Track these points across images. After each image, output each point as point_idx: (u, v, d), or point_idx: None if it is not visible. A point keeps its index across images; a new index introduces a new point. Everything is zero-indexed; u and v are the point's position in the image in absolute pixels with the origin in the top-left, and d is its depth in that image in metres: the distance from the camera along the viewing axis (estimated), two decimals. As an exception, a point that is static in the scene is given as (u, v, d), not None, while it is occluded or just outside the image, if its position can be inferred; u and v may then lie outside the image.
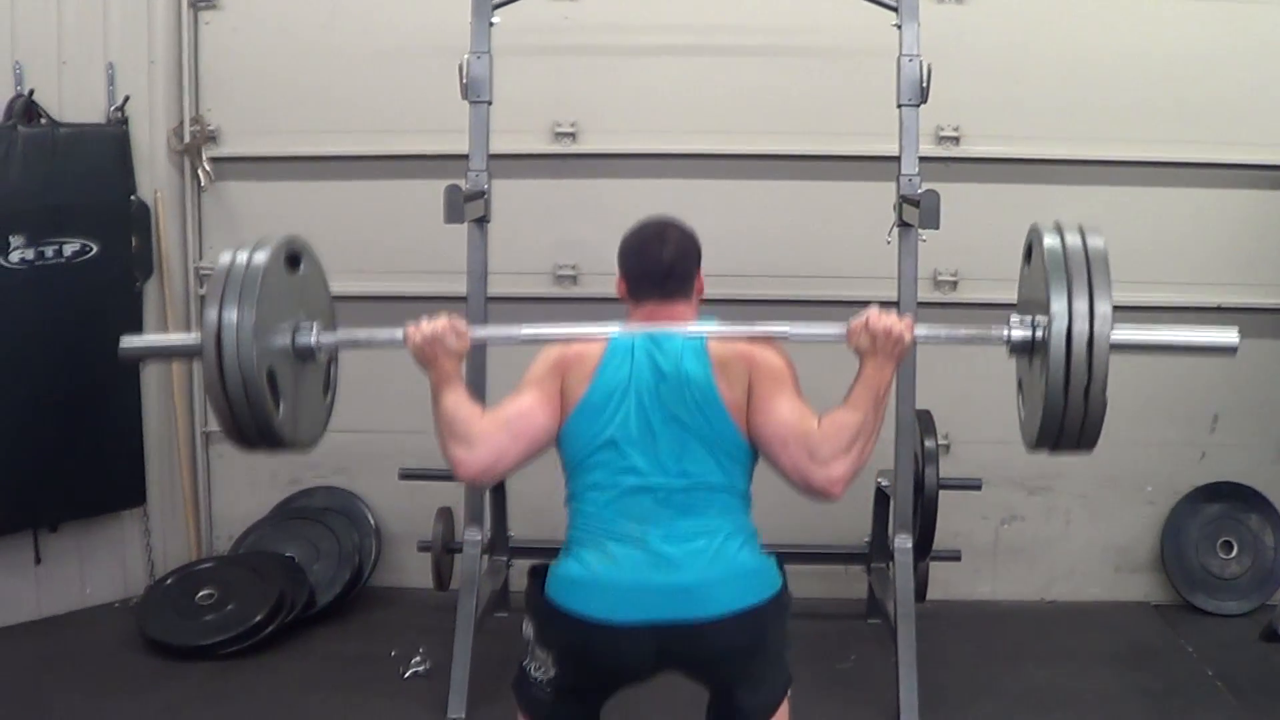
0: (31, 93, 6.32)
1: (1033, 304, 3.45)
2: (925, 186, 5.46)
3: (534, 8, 6.12)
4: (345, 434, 6.98)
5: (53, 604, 6.69)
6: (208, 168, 6.93)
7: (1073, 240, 3.34)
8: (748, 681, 3.58)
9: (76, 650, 6.33)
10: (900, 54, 5.62)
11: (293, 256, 3.66)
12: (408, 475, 6.40)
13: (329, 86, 6.87)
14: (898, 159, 5.65)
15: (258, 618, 6.30)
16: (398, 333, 3.59)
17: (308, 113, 6.88)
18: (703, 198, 6.78)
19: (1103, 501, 7.00)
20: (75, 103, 6.52)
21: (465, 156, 5.78)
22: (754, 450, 3.54)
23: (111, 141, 6.58)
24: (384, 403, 6.77)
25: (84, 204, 6.39)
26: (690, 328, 3.61)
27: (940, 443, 6.24)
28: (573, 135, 6.84)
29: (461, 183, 5.58)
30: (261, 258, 3.51)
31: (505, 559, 6.50)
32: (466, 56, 5.73)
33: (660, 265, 3.67)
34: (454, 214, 5.42)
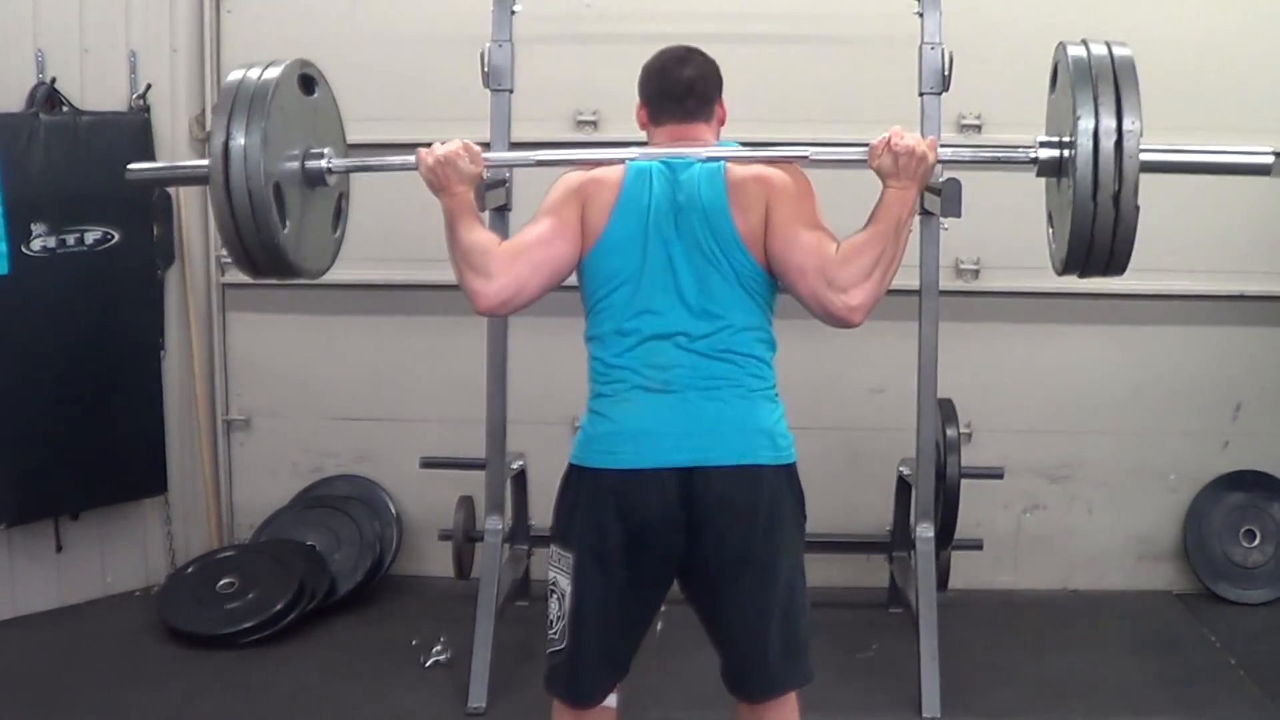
0: (53, 81, 6.32)
1: (1060, 124, 3.39)
2: (947, 175, 5.44)
3: (556, -5, 6.12)
4: (366, 422, 7.03)
5: (74, 592, 6.71)
6: (229, 156, 6.93)
7: (1099, 51, 3.30)
8: (743, 540, 3.54)
9: (97, 638, 6.34)
10: (922, 42, 5.60)
11: (306, 79, 3.63)
12: (429, 464, 6.40)
13: (350, 75, 6.81)
14: (920, 148, 5.63)
15: (279, 606, 6.31)
16: (410, 158, 3.57)
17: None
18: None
19: (1125, 490, 6.98)
20: (97, 91, 6.53)
21: (487, 145, 5.76)
22: (772, 281, 3.53)
23: (133, 129, 6.58)
24: (405, 391, 6.79)
25: (105, 192, 6.37)
26: (708, 150, 3.60)
27: (962, 431, 6.22)
28: (594, 123, 6.84)
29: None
30: (274, 74, 3.48)
31: (526, 548, 6.50)
32: (488, 44, 5.72)
33: (681, 83, 3.70)
34: (475, 202, 5.41)
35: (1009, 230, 6.45)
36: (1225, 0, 6.67)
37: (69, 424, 6.42)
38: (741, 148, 3.63)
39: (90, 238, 6.38)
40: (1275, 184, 6.57)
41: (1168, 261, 6.57)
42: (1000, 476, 6.35)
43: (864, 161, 3.46)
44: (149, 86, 6.65)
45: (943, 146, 3.48)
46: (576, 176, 3.64)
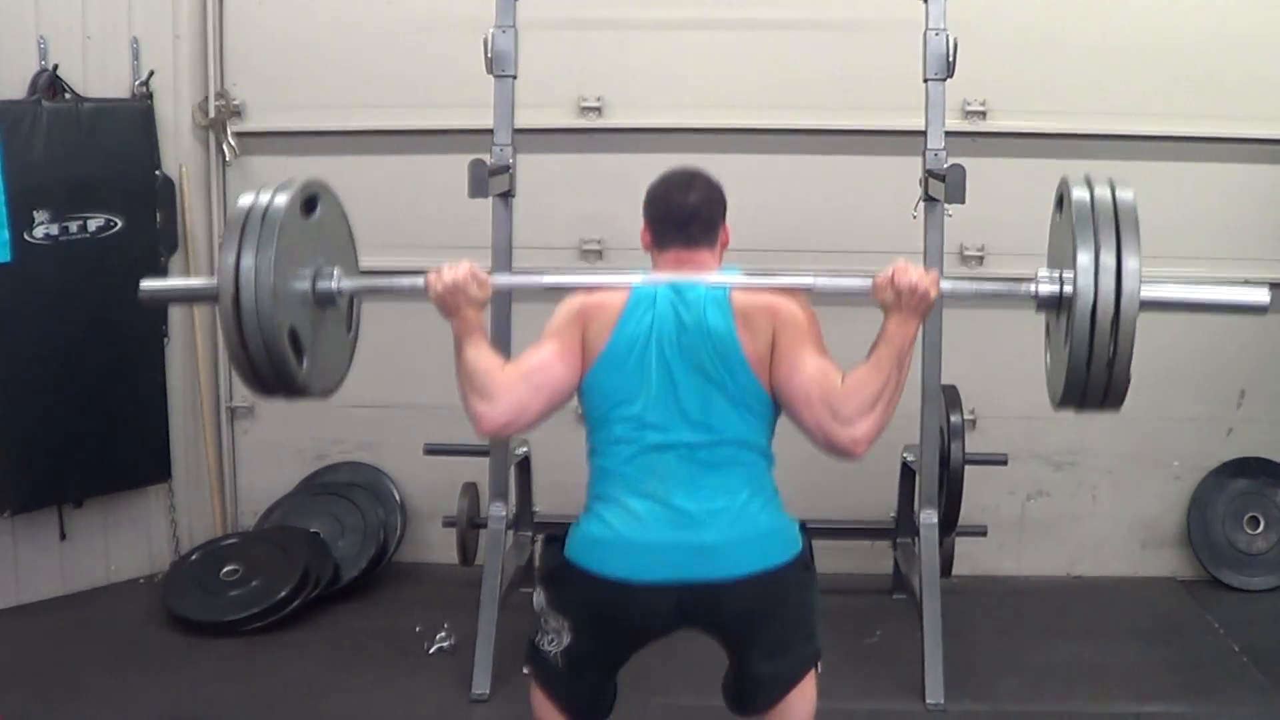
0: (56, 68, 6.32)
1: (1062, 258, 3.41)
2: (951, 161, 5.43)
3: (560, -20, 6.11)
4: (370, 409, 7.04)
5: (78, 580, 6.71)
6: (232, 142, 6.93)
7: (1102, 194, 3.31)
8: (765, 646, 3.57)
9: (101, 626, 6.35)
10: (927, 28, 5.59)
11: (309, 201, 3.62)
12: (433, 450, 6.40)
13: (354, 61, 6.86)
14: (924, 133, 5.62)
15: (282, 594, 6.32)
16: (419, 280, 3.55)
17: (332, 87, 6.87)
18: (728, 172, 6.66)
19: (1129, 477, 6.98)
20: (99, 78, 6.52)
21: (490, 131, 5.76)
22: (776, 404, 3.52)
23: (136, 116, 6.58)
24: (409, 378, 6.78)
25: (108, 179, 6.39)
26: (713, 277, 3.59)
27: (966, 418, 6.23)
28: (598, 109, 6.83)
29: (486, 157, 5.57)
30: (280, 204, 3.47)
31: (530, 534, 6.49)
32: (491, 30, 5.71)
33: (685, 210, 3.66)
34: (479, 188, 5.42)
35: (1013, 216, 6.46)
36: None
37: (72, 412, 6.42)
38: (745, 275, 3.63)
39: (93, 225, 6.38)
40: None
41: (1171, 248, 6.55)
42: (1004, 463, 6.35)
43: (868, 292, 3.46)
44: (151, 73, 6.64)
45: (945, 280, 3.49)
46: (579, 299, 3.64)
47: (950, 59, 5.55)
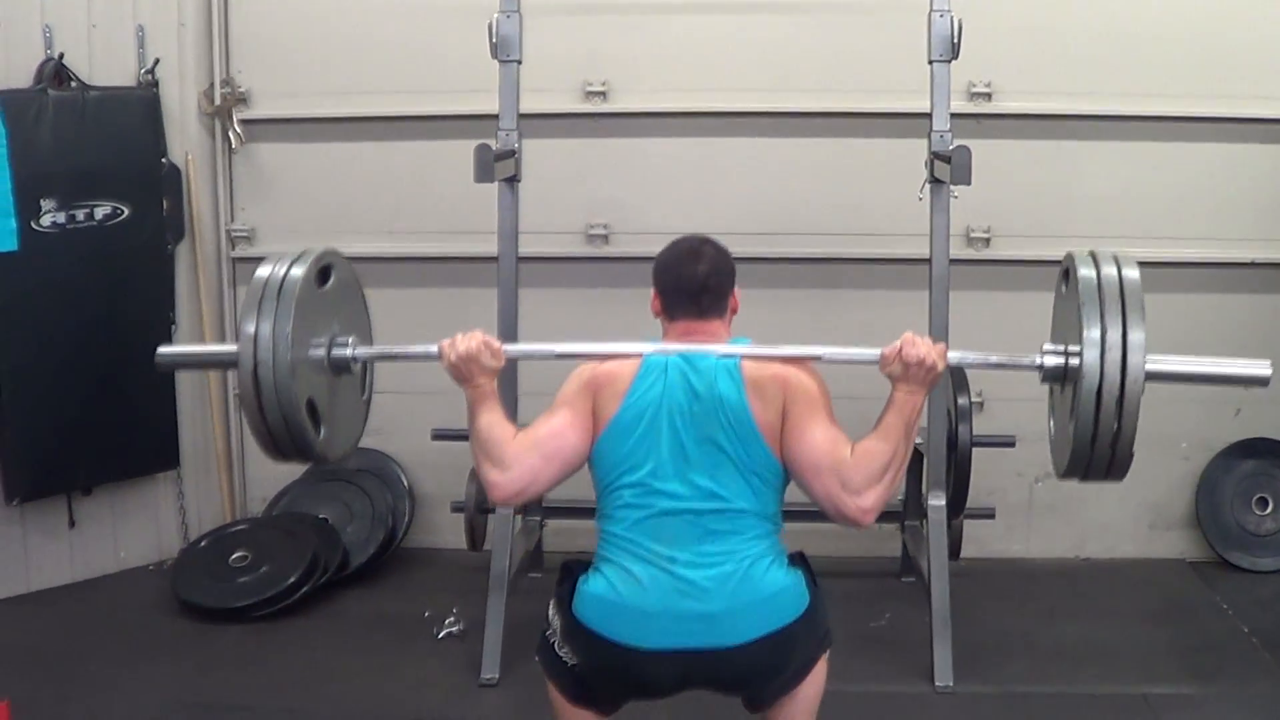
0: (61, 56, 6.32)
1: (1067, 331, 3.44)
2: (957, 143, 5.43)
3: (564, -35, 6.11)
4: (378, 395, 6.98)
5: (87, 567, 6.73)
6: (238, 129, 6.93)
7: (1108, 272, 3.33)
8: (775, 688, 3.59)
9: (111, 613, 6.37)
10: (931, 10, 5.58)
11: (324, 271, 3.66)
12: (440, 436, 6.40)
13: (359, 47, 6.85)
14: (929, 115, 5.62)
15: (291, 579, 6.33)
16: (432, 348, 3.61)
17: (338, 74, 6.87)
18: (734, 156, 6.77)
19: (1137, 458, 6.85)
20: (105, 66, 6.52)
21: (496, 116, 5.76)
22: (786, 472, 3.54)
23: (142, 104, 6.58)
24: (417, 364, 6.77)
25: (115, 167, 6.39)
26: (724, 348, 3.60)
27: (974, 400, 6.23)
28: (604, 94, 6.82)
29: (492, 142, 5.57)
30: (296, 275, 3.52)
31: (539, 519, 6.52)
32: (496, 15, 5.70)
33: (695, 282, 3.66)
34: (484, 173, 5.42)
35: (1020, 198, 6.48)
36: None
37: (81, 400, 6.43)
38: (755, 346, 3.63)
39: (100, 213, 6.38)
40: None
41: (1179, 229, 6.58)
42: (1012, 445, 6.35)
43: (876, 364, 3.47)
44: (157, 61, 6.64)
45: (952, 351, 3.51)
46: (589, 368, 3.65)
47: (955, 40, 5.54)
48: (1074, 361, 3.31)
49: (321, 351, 3.63)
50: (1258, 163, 6.70)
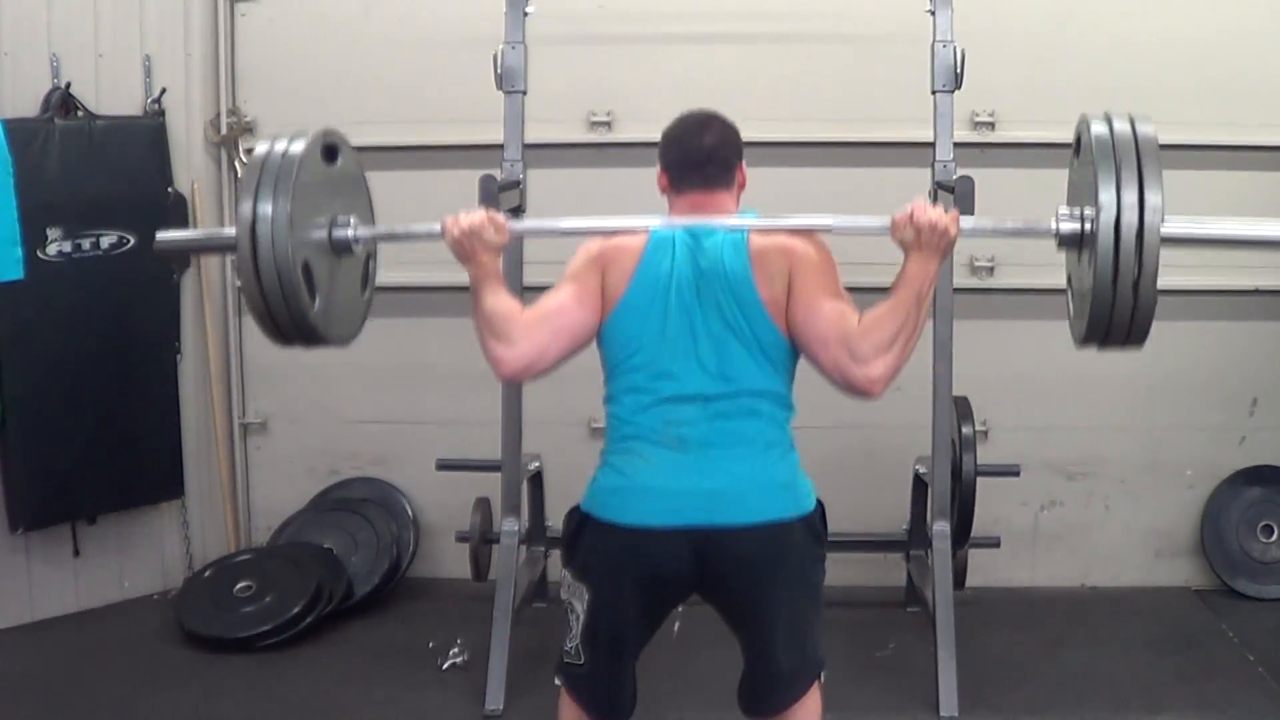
0: (68, 85, 6.33)
1: (1082, 196, 3.39)
2: (960, 172, 5.44)
3: (568, -4, 6.12)
4: (383, 425, 7.05)
5: (91, 596, 6.72)
6: (244, 159, 6.94)
7: (1121, 128, 3.29)
8: (769, 610, 3.59)
9: (115, 643, 6.36)
10: (934, 40, 5.60)
11: (330, 148, 3.64)
12: (445, 466, 6.41)
13: (365, 77, 6.87)
14: (933, 145, 5.63)
15: (296, 609, 6.32)
16: (435, 226, 3.56)
17: (344, 104, 6.88)
18: (738, 185, 6.77)
19: (1142, 486, 6.98)
20: (112, 95, 6.54)
21: (500, 146, 5.78)
22: (794, 349, 3.54)
23: (148, 133, 6.60)
24: (421, 394, 6.80)
25: (121, 196, 6.40)
26: (731, 221, 3.60)
27: (978, 429, 6.22)
28: (608, 124, 6.84)
29: (497, 172, 5.58)
30: (298, 148, 3.49)
31: (543, 549, 6.51)
32: (501, 46, 5.73)
33: (701, 151, 3.68)
34: (489, 203, 5.42)
35: (1023, 227, 6.46)
36: (1239, -4, 6.66)
37: (86, 428, 6.43)
38: (763, 217, 3.63)
39: (106, 242, 6.39)
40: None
41: (1182, 257, 6.53)
42: (1017, 474, 6.33)
43: (886, 232, 3.45)
44: (164, 90, 6.66)
45: (965, 218, 3.48)
46: (597, 244, 3.66)
47: (958, 70, 5.56)
48: (1089, 225, 3.24)
49: (322, 231, 3.59)
50: (1264, 190, 6.70)
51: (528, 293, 4.78)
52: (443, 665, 6.03)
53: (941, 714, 5.45)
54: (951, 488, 5.91)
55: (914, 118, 5.89)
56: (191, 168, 6.87)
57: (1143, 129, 3.26)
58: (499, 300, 3.52)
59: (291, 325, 3.52)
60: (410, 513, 7.12)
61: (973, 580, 6.28)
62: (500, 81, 5.73)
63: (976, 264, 6.74)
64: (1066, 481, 6.98)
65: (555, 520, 6.46)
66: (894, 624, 6.46)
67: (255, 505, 7.32)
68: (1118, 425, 6.90)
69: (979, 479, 5.90)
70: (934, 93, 5.61)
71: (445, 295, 6.73)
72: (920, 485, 6.22)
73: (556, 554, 6.41)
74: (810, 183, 6.75)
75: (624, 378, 3.58)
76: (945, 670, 5.51)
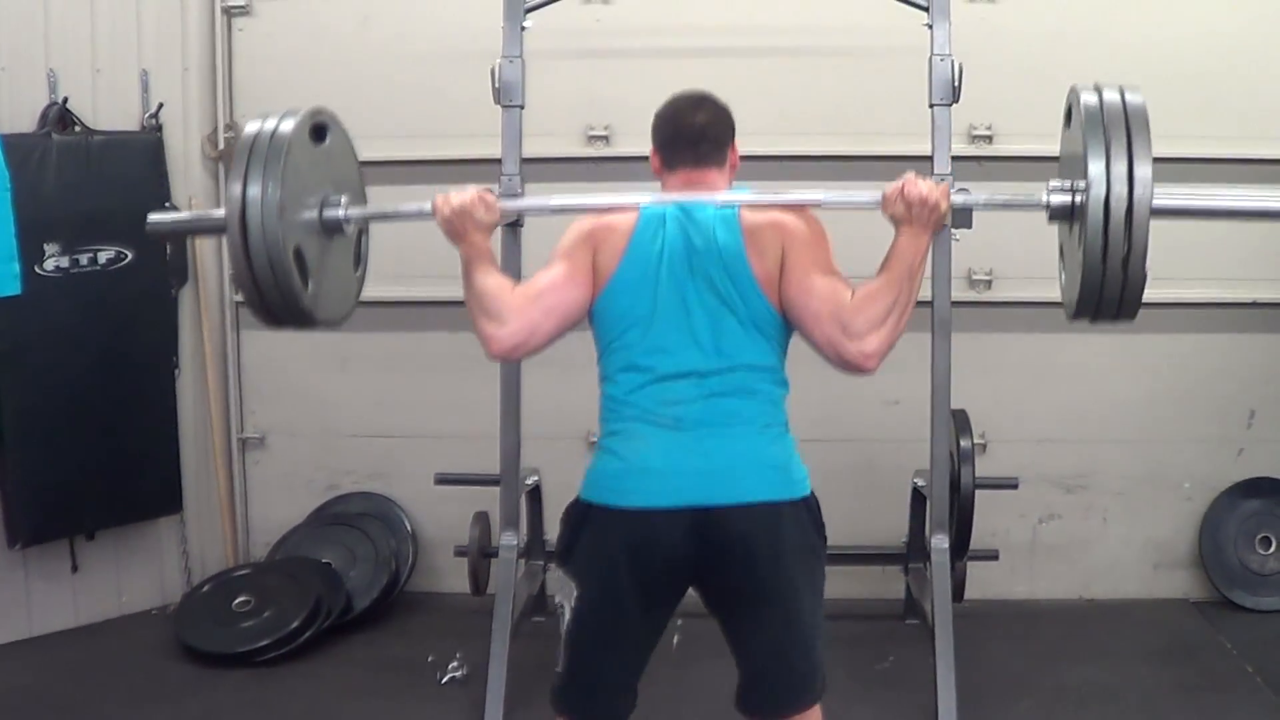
0: (65, 100, 6.34)
1: (1072, 167, 3.40)
2: (959, 186, 5.44)
3: (566, 11, 6.10)
4: (381, 439, 7.05)
5: (90, 612, 6.72)
6: (240, 170, 6.94)
7: (1111, 98, 3.30)
8: (764, 595, 3.56)
9: (114, 658, 6.36)
10: (932, 54, 5.60)
11: (319, 128, 3.64)
12: (444, 480, 6.40)
13: (362, 92, 6.87)
14: (930, 158, 5.64)
15: (294, 624, 6.32)
16: (426, 205, 3.58)
17: (341, 119, 6.88)
18: (736, 199, 6.77)
19: (1140, 499, 6.98)
20: (109, 110, 6.55)
21: (498, 160, 5.78)
22: (787, 324, 3.54)
23: (146, 149, 6.61)
24: (420, 408, 6.80)
25: (118, 211, 6.39)
26: (722, 196, 3.61)
27: (976, 442, 6.23)
28: (606, 138, 6.85)
29: (495, 187, 5.57)
30: (287, 128, 3.49)
31: (542, 563, 6.50)
32: (499, 61, 5.73)
33: (694, 129, 3.70)
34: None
35: (1021, 240, 6.46)
36: (1236, 6, 6.66)
37: (84, 444, 6.42)
38: (755, 193, 3.63)
39: (103, 257, 6.39)
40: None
41: (1181, 269, 6.58)
42: (1015, 487, 6.33)
43: (877, 207, 3.47)
44: (161, 105, 6.67)
45: (955, 193, 3.49)
46: (588, 221, 3.66)
47: (956, 84, 5.56)
48: (1079, 198, 3.26)
49: (313, 212, 3.58)
50: (1261, 203, 6.71)
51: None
52: (441, 680, 6.04)
53: (941, 727, 5.47)
54: (950, 500, 5.91)
55: (912, 131, 5.89)
56: (189, 182, 6.88)
57: (1132, 99, 3.28)
58: (490, 278, 3.54)
59: (284, 309, 3.54)
60: (409, 527, 7.13)
61: (971, 593, 6.28)
62: (498, 96, 5.74)
63: (975, 277, 6.75)
64: (1065, 494, 6.99)
65: (554, 534, 6.44)
66: (893, 637, 6.46)
67: (254, 520, 7.32)
68: (1116, 438, 6.90)
69: (977, 492, 5.91)
70: (932, 106, 5.61)
71: (443, 310, 6.74)
72: (919, 498, 6.22)
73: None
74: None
75: (618, 355, 3.58)
76: (944, 683, 5.50)
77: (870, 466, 6.81)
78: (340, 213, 3.64)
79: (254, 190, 3.38)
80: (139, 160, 6.57)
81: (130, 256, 6.46)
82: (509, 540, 5.94)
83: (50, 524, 6.43)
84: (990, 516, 6.40)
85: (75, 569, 6.61)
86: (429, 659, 6.21)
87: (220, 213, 3.53)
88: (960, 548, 5.94)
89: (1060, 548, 7.06)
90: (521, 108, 5.77)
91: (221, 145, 6.95)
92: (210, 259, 7.01)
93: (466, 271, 3.56)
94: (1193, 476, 6.98)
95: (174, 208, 6.68)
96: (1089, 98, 3.32)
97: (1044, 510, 7.00)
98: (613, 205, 3.68)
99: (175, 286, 6.82)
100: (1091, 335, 6.57)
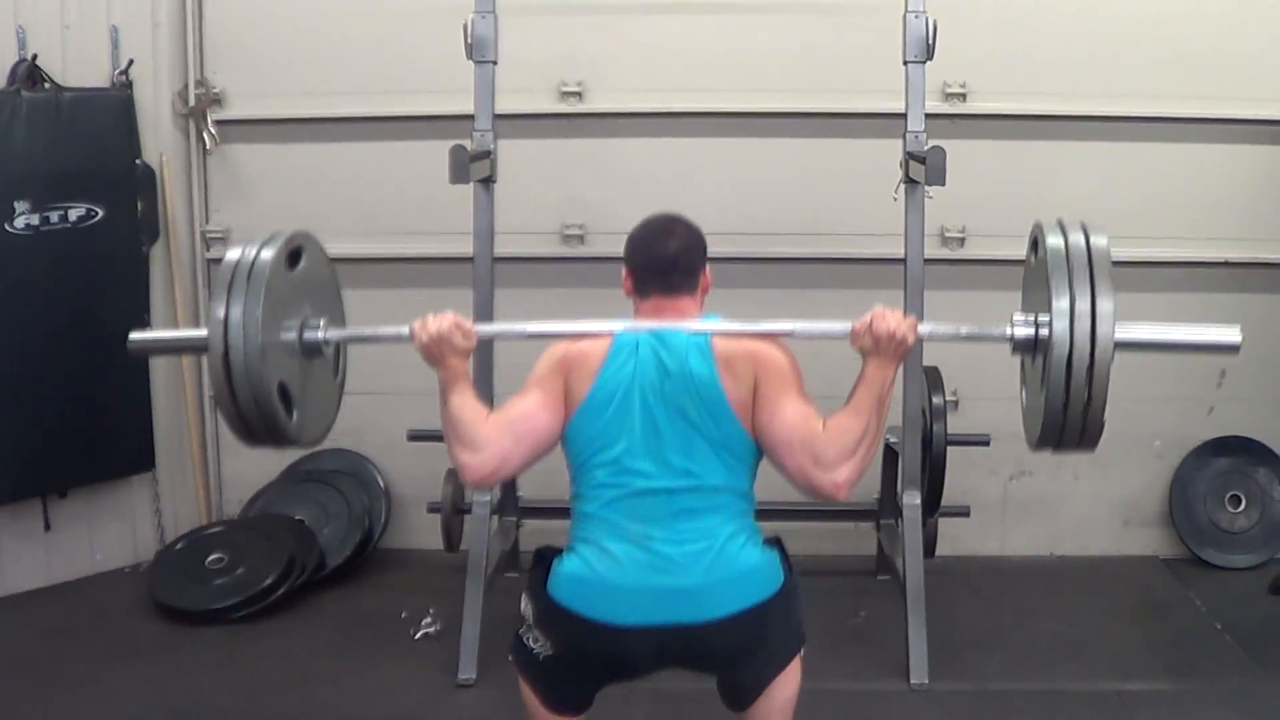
0: (35, 57, 6.29)
1: (1037, 302, 3.45)
2: (931, 143, 5.44)
3: (538, -34, 6.11)
4: (354, 396, 6.96)
5: (63, 570, 6.71)
6: (213, 130, 6.92)
7: (1076, 240, 3.34)
8: (751, 670, 3.58)
9: (87, 616, 6.35)
10: (906, 10, 5.60)
11: (294, 253, 3.65)
12: (416, 436, 6.40)
13: (334, 48, 6.85)
14: (904, 116, 5.63)
15: (268, 581, 6.33)
16: (404, 329, 3.59)
17: (313, 74, 6.87)
18: (710, 157, 6.77)
19: (1111, 456, 6.99)
20: (79, 67, 6.50)
21: (471, 116, 5.76)
22: (759, 448, 3.54)
23: (116, 105, 6.57)
24: (392, 365, 6.77)
25: (89, 168, 6.38)
26: (695, 325, 3.60)
27: (949, 399, 6.24)
28: (579, 94, 6.83)
29: (467, 143, 5.57)
30: (266, 257, 3.51)
31: (515, 519, 6.51)
32: (471, 16, 5.71)
33: (666, 258, 3.66)
34: (460, 174, 5.42)
35: (995, 198, 6.50)
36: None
37: (55, 402, 6.41)
38: (725, 321, 3.64)
39: (74, 215, 6.36)
40: (1260, 153, 6.63)
41: (1152, 229, 6.61)
42: (987, 443, 6.36)
43: (847, 337, 3.48)
44: (131, 62, 6.62)
45: (922, 324, 3.52)
46: (561, 348, 3.65)
47: (930, 41, 5.56)
48: (1044, 331, 3.30)
49: (293, 334, 3.61)
50: (1233, 163, 6.73)
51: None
52: (415, 635, 6.05)
53: (912, 682, 5.49)
54: (922, 457, 5.93)
55: (886, 88, 5.88)
56: (160, 139, 6.85)
57: (1096, 240, 3.33)
58: (465, 406, 3.53)
59: (269, 437, 3.59)
60: (382, 484, 7.14)
61: (943, 549, 6.31)
62: (471, 51, 5.72)
63: (947, 234, 6.75)
64: (1036, 451, 7.00)
65: (527, 490, 6.47)
66: (865, 592, 6.49)
67: (226, 477, 7.32)
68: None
69: (949, 449, 5.94)
70: (906, 63, 5.61)
71: (416, 266, 6.76)
72: (891, 455, 6.24)
73: (528, 524, 6.45)
74: (779, 153, 6.76)
75: (589, 474, 3.57)
76: (916, 638, 5.54)
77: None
78: (320, 335, 3.68)
79: (235, 328, 3.40)
80: (109, 117, 6.53)
81: (101, 214, 6.44)
82: (482, 497, 5.94)
83: (22, 482, 6.42)
84: (962, 473, 6.44)
85: (48, 528, 6.59)
86: (402, 615, 6.22)
87: (202, 332, 3.55)
88: (932, 504, 5.97)
89: (1031, 505, 7.09)
90: (494, 63, 5.76)
91: (192, 102, 6.91)
92: (182, 216, 6.99)
93: (444, 395, 3.56)
94: (1163, 435, 7.02)
95: (145, 165, 6.72)
96: (1054, 239, 3.37)
97: (1015, 467, 7.02)
98: (588, 332, 3.68)
99: (146, 244, 6.78)
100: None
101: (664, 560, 3.45)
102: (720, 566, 3.47)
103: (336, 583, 6.71)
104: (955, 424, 6.19)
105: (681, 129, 6.72)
